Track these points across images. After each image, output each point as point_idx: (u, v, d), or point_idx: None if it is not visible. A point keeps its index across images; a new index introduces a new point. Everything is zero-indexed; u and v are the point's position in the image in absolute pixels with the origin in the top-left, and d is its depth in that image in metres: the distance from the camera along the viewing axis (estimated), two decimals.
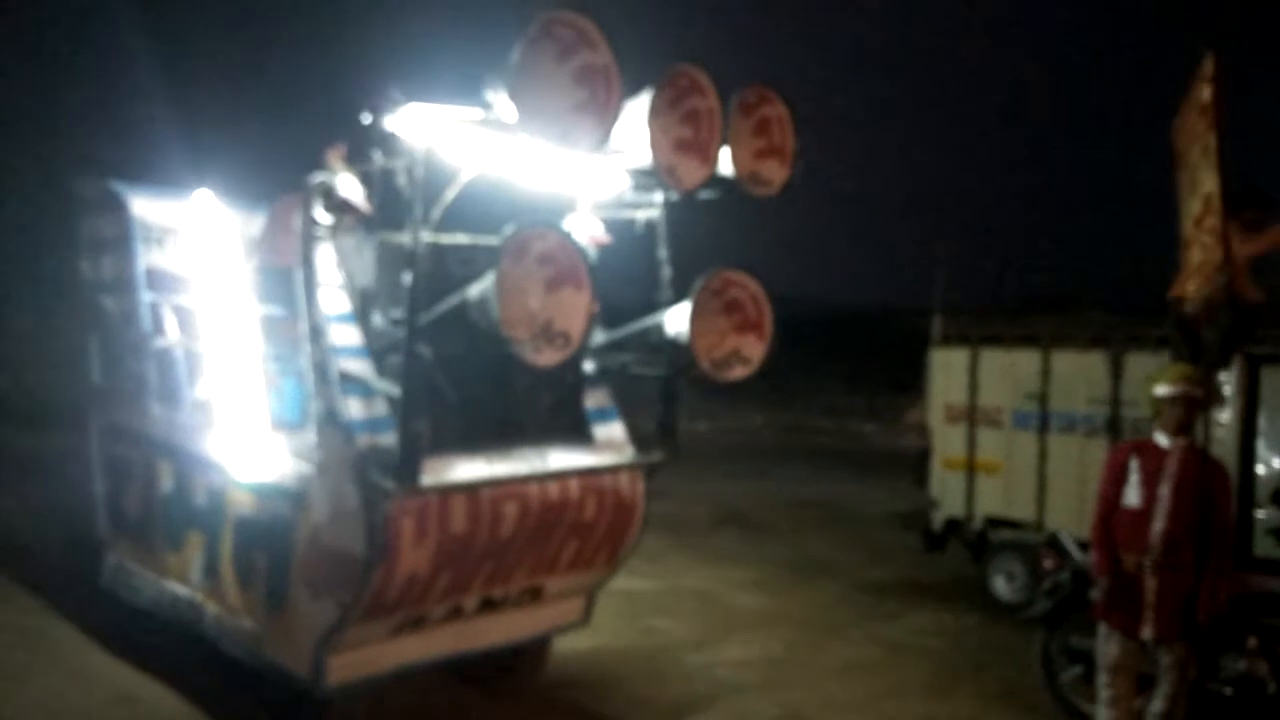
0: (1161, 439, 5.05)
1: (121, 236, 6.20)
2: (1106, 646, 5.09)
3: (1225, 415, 6.95)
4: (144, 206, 6.23)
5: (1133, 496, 4.99)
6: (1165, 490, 4.92)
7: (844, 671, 6.89)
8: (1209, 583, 4.83)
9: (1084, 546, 5.90)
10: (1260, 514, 6.75)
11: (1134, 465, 5.02)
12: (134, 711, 5.50)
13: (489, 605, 5.13)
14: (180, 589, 5.76)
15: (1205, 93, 5.12)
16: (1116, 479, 5.05)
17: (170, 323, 6.08)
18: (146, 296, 6.08)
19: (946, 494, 9.08)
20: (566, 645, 6.20)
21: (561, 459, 5.22)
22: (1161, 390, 5.03)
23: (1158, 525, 4.90)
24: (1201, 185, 5.17)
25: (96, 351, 6.68)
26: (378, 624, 4.72)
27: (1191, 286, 5.34)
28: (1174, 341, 6.10)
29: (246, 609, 5.22)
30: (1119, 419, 7.88)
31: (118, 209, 6.22)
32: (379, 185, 4.68)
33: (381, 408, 4.56)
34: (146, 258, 6.16)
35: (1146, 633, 4.92)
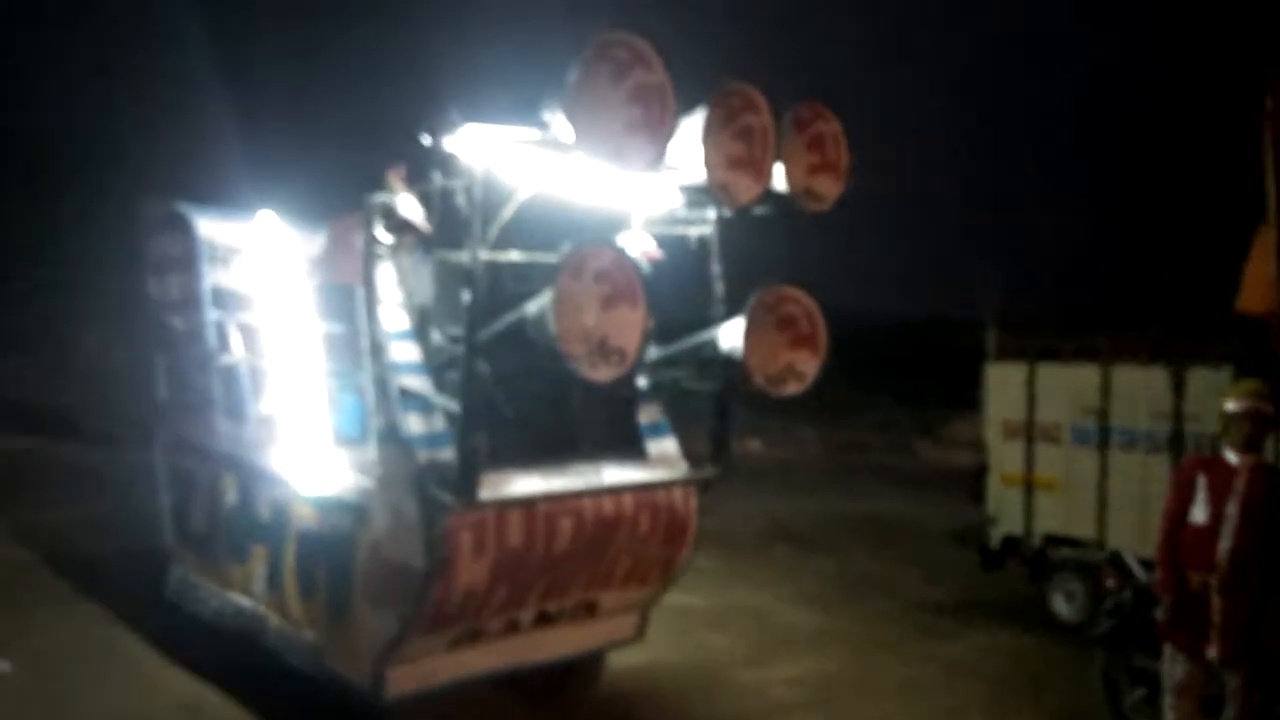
0: (1230, 455, 4.94)
1: (188, 256, 6.36)
2: (1172, 668, 4.98)
3: None
4: (209, 227, 6.38)
5: (1199, 514, 4.88)
6: (1233, 508, 4.81)
7: (900, 691, 6.80)
8: (1278, 604, 4.71)
9: (1146, 565, 5.77)
10: None
11: (1201, 482, 4.91)
12: None
13: (544, 619, 5.17)
14: (243, 601, 5.88)
15: (1268, 104, 5.05)
16: (1183, 496, 4.95)
17: (235, 340, 6.22)
18: (212, 314, 6.22)
19: (1004, 511, 8.95)
20: (620, 661, 6.21)
21: (616, 474, 5.26)
22: (1230, 406, 4.93)
23: (1224, 544, 4.79)
24: (1270, 198, 5.11)
25: (163, 368, 6.86)
26: (436, 637, 4.78)
27: (1270, 301, 5.27)
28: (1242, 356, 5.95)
29: (308, 621, 5.31)
30: (1182, 435, 7.71)
31: (184, 229, 6.38)
32: (438, 205, 4.76)
33: (440, 423, 4.63)
34: (212, 276, 6.30)
35: (1212, 653, 4.81)
